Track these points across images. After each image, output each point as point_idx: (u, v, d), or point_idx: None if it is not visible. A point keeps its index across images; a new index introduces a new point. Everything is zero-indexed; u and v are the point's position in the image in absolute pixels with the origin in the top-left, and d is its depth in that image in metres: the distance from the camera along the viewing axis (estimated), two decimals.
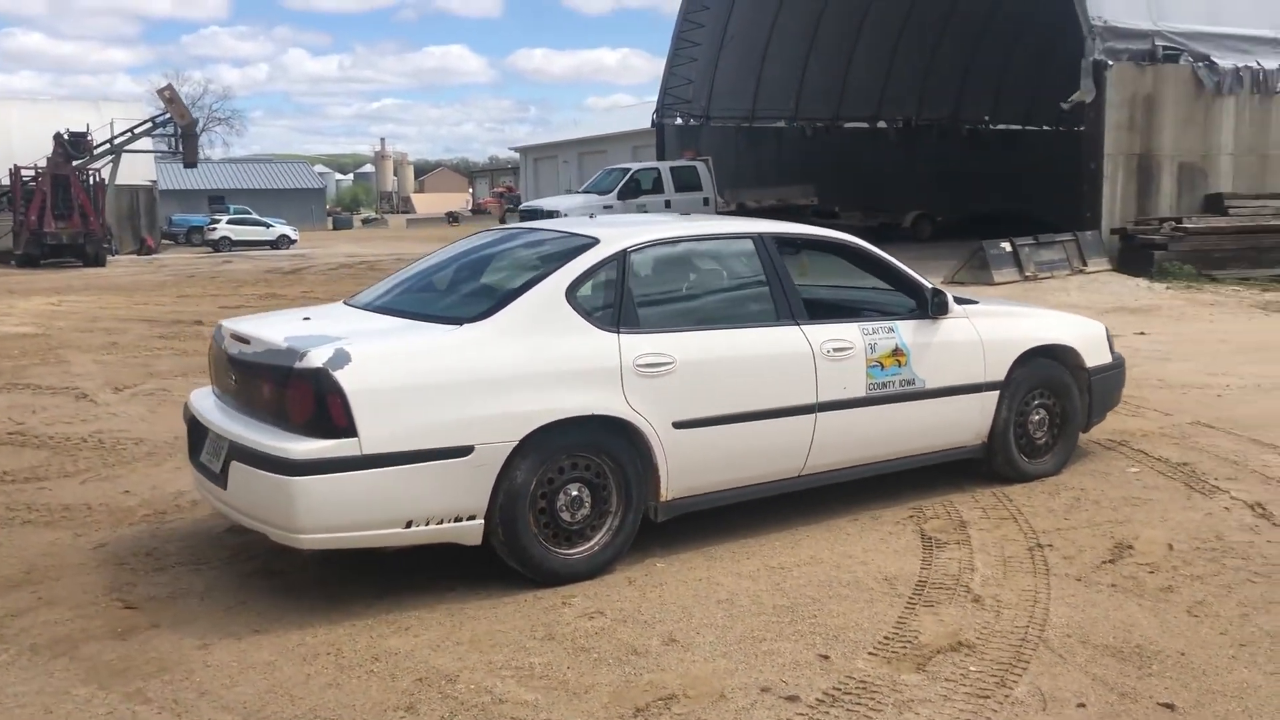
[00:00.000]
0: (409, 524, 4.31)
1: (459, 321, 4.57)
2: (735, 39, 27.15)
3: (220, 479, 4.50)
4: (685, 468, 4.84)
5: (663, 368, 4.75)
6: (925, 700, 3.58)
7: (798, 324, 5.21)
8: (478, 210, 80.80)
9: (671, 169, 24.07)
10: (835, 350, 5.24)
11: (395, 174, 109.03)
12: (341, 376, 4.18)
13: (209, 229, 43.98)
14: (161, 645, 4.10)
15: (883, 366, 5.39)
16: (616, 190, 23.30)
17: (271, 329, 4.71)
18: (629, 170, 24.01)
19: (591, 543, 4.69)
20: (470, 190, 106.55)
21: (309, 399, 4.19)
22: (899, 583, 4.62)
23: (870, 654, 3.94)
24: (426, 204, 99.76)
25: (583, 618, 4.29)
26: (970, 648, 3.96)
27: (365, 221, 77.48)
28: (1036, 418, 6.06)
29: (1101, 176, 16.08)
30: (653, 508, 4.85)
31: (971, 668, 3.81)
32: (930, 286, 5.68)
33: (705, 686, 3.70)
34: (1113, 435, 6.95)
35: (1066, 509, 5.56)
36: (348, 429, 4.17)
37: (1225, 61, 16.92)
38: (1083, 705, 3.54)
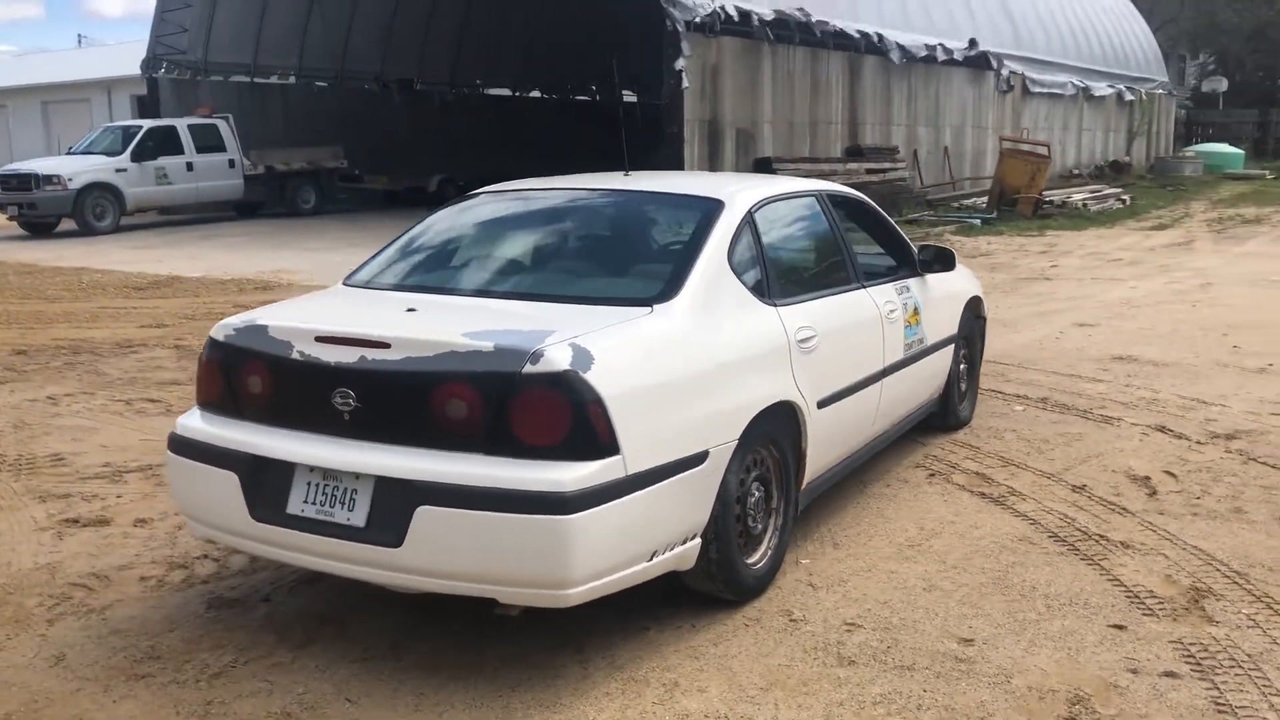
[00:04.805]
0: (653, 555, 3.46)
1: (644, 303, 3.71)
2: None
3: (380, 533, 3.27)
4: (817, 450, 4.40)
5: (811, 341, 4.26)
6: (1269, 650, 3.61)
7: (864, 287, 4.94)
8: None
9: (190, 127, 21.32)
10: (891, 313, 5.05)
11: None
12: (595, 380, 3.22)
13: None
14: None
15: (909, 326, 5.30)
16: (129, 151, 20.13)
17: (412, 327, 3.49)
18: (139, 128, 20.82)
19: (764, 547, 4.11)
20: None
21: (562, 412, 3.18)
22: (1038, 541, 4.58)
23: (1146, 615, 3.89)
24: None
25: (841, 633, 3.75)
26: (1210, 593, 4.05)
27: None
28: (963, 367, 6.33)
29: (682, 140, 17.03)
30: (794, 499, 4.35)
31: (1243, 610, 3.91)
32: (915, 245, 5.67)
33: (1081, 680, 3.42)
34: None
35: (1035, 450, 5.87)
36: (611, 445, 3.23)
37: (765, 38, 18.69)
38: None
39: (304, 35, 26.66)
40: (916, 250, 5.62)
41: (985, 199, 22.60)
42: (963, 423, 6.30)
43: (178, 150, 20.89)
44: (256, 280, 12.98)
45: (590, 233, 4.39)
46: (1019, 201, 20.64)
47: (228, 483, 3.54)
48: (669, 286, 3.79)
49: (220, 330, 3.75)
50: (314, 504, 3.41)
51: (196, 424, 3.75)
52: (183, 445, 3.72)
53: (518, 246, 4.33)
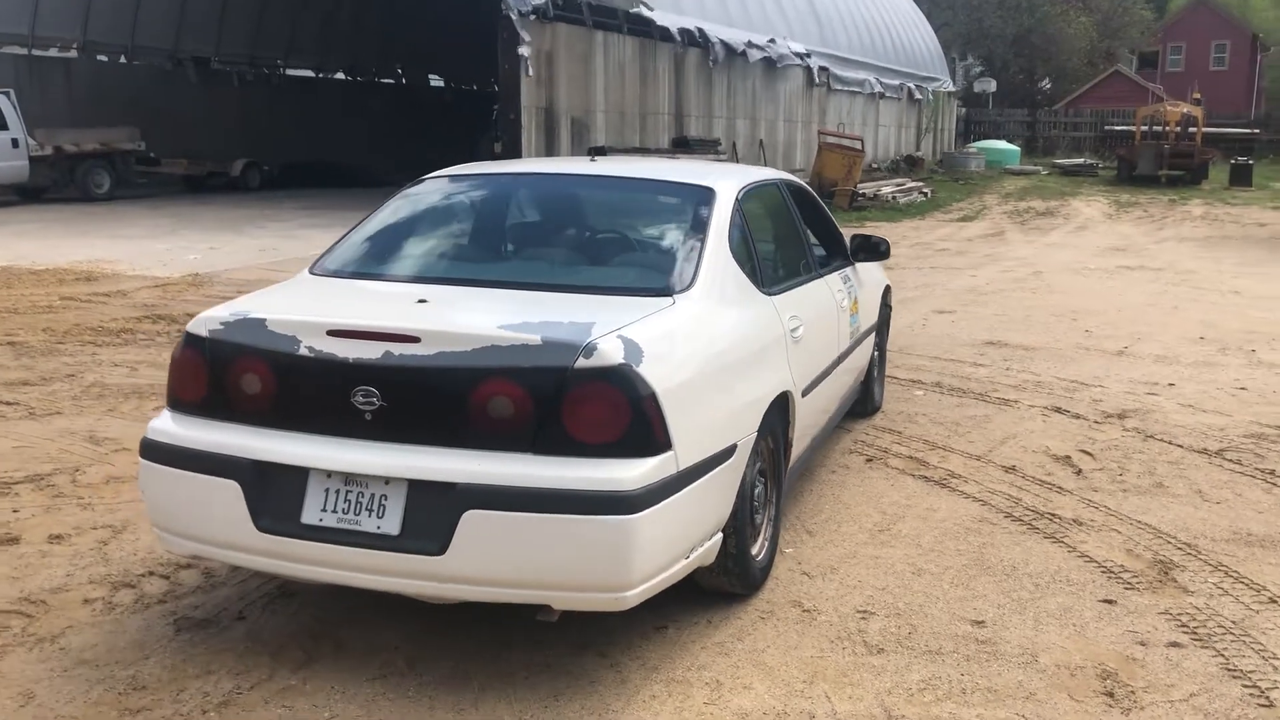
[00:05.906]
0: (691, 552, 3.36)
1: (664, 293, 3.58)
2: None
3: (419, 541, 3.04)
4: (799, 438, 4.40)
5: (799, 331, 4.24)
6: (1249, 617, 3.83)
7: (822, 276, 4.97)
8: None
9: None
10: (842, 301, 5.10)
11: None
12: (647, 374, 3.10)
13: None
14: None
15: (853, 314, 5.37)
16: None
17: (445, 319, 3.25)
18: None
19: (761, 538, 4.06)
20: None
21: (618, 407, 3.04)
22: (997, 522, 4.73)
23: (1127, 588, 4.07)
24: None
25: (858, 621, 3.75)
26: (1173, 564, 4.28)
27: None
28: (875, 354, 6.47)
29: (520, 127, 16.75)
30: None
31: (1209, 579, 4.14)
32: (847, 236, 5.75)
33: (1100, 655, 3.54)
34: None
35: (953, 433, 6.06)
36: (666, 441, 3.12)
37: (594, 24, 18.62)
38: None
39: (88, 4, 24.77)
40: (850, 240, 5.69)
41: None
42: (877, 408, 6.45)
43: None
44: (74, 270, 11.96)
45: (583, 220, 4.23)
46: (836, 194, 21.39)
47: (225, 492, 3.21)
48: (684, 276, 3.69)
49: (203, 324, 3.40)
50: (335, 512, 3.13)
51: (175, 428, 3.39)
52: (161, 452, 3.35)
53: (510, 234, 4.13)
